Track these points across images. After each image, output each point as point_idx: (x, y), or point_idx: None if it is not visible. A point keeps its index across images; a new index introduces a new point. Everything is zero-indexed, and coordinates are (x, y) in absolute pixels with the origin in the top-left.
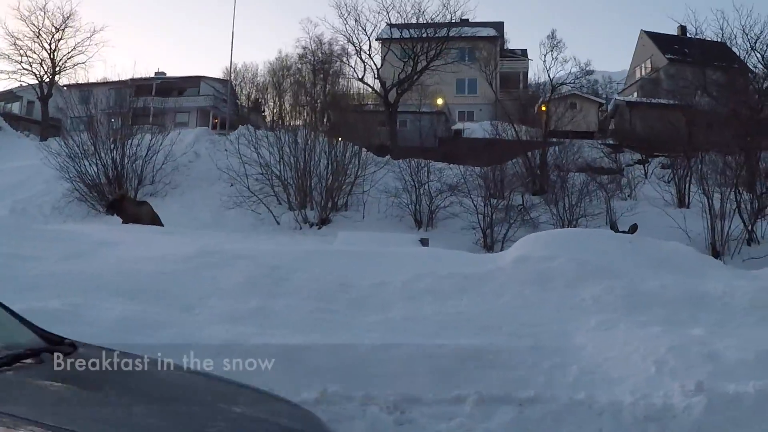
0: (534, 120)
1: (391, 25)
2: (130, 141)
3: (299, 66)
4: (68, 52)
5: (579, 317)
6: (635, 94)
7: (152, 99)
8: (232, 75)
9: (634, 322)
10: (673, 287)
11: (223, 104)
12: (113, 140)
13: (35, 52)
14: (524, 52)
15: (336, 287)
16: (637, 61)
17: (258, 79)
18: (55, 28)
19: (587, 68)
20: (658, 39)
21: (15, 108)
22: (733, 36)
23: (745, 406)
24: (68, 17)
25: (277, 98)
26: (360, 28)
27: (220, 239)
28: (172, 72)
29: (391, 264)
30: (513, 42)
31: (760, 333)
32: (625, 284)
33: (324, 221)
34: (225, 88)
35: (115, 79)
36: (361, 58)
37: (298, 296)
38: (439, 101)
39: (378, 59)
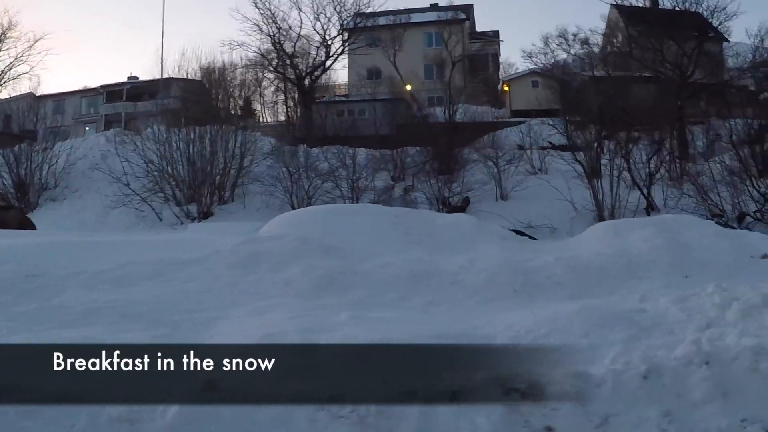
0: (500, 101)
1: (357, 15)
2: (33, 151)
3: (276, 62)
4: (9, 63)
5: (248, 302)
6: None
7: (123, 104)
8: (213, 74)
9: (303, 307)
10: (400, 265)
11: (194, 105)
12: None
13: None
14: (496, 34)
15: (22, 278)
16: (608, 36)
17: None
18: None
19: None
20: (626, 12)
21: None
22: None
23: None
24: (8, 28)
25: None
26: (271, 18)
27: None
28: (145, 76)
29: (113, 252)
30: (488, 24)
31: (451, 315)
32: (339, 264)
33: (206, 214)
34: (196, 88)
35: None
36: (275, 48)
37: None
38: (408, 87)
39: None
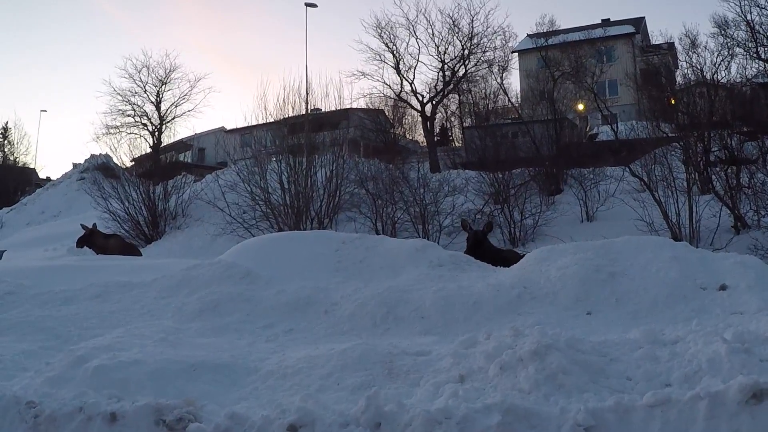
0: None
1: (531, 36)
2: (163, 183)
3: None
4: (173, 102)
5: (135, 322)
6: None
7: (306, 135)
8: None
9: (163, 329)
10: (292, 292)
11: (371, 134)
12: (143, 183)
13: (141, 106)
14: (670, 46)
15: (1, 295)
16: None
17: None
18: (160, 81)
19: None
20: None
21: (188, 157)
22: None
23: None
24: (171, 71)
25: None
26: (393, 44)
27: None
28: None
29: (87, 275)
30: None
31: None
32: (240, 290)
33: None
34: (371, 118)
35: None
36: (399, 74)
37: None
38: (580, 107)
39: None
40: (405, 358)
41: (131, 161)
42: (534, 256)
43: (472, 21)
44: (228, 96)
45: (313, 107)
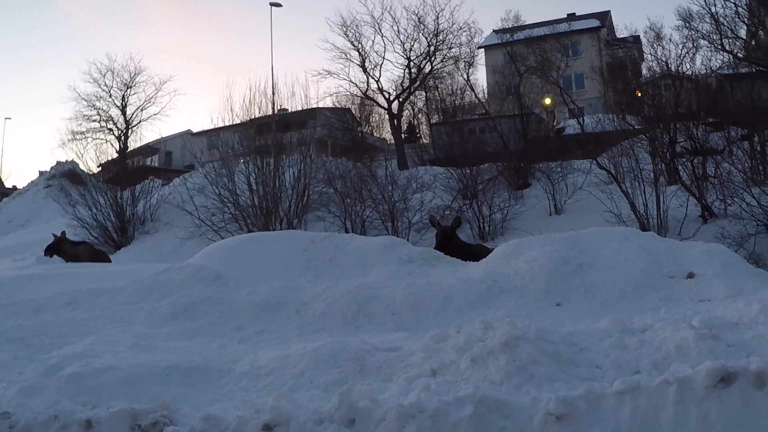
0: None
1: (496, 31)
2: (131, 188)
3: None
4: (139, 106)
5: (105, 328)
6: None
7: (272, 135)
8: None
9: (134, 334)
10: (262, 293)
11: (338, 132)
12: (111, 188)
13: (106, 111)
14: (636, 39)
15: None
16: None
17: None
18: (125, 85)
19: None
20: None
21: (155, 161)
22: None
23: None
24: (136, 74)
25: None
26: (359, 43)
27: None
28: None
29: (56, 283)
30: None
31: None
32: (210, 293)
33: None
34: (338, 116)
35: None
36: (365, 72)
37: None
38: (546, 101)
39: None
40: (377, 354)
41: (98, 167)
42: (502, 250)
43: (437, 17)
44: (194, 98)
45: (279, 107)
